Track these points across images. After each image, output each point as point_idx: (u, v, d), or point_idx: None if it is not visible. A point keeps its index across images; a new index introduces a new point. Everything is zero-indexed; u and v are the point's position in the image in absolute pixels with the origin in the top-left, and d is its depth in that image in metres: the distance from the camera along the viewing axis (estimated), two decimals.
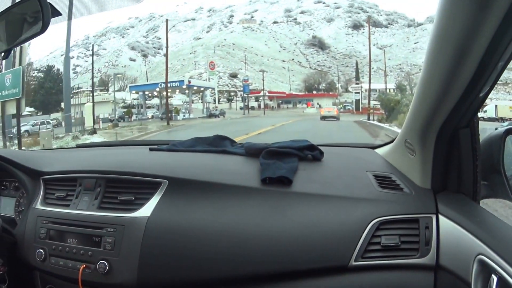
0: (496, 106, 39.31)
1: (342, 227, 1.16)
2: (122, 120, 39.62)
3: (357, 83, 66.78)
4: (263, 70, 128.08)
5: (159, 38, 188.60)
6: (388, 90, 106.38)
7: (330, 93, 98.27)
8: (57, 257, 1.42)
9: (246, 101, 64.78)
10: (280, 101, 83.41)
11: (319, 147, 1.60)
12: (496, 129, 1.28)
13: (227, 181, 1.35)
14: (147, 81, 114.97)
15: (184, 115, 41.91)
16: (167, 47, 41.64)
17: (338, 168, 1.47)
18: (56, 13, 1.08)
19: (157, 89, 47.41)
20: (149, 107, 54.45)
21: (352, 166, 1.49)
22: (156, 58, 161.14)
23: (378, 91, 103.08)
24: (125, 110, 45.98)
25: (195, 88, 48.81)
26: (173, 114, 39.35)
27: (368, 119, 28.61)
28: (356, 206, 1.20)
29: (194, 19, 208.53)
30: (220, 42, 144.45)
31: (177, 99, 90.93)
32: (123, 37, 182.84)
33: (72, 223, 1.44)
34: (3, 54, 1.16)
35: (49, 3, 1.04)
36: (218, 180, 1.36)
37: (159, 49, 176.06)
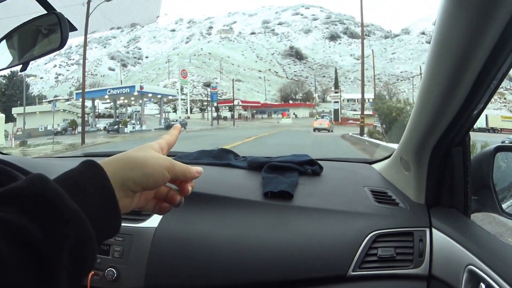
0: (486, 116, 37.55)
1: (340, 239, 1.21)
2: (64, 133, 35.87)
3: (336, 92, 63.54)
4: (239, 80, 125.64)
5: (140, 49, 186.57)
6: (367, 100, 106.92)
7: (307, 103, 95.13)
8: None
9: (215, 111, 61.17)
10: (254, 111, 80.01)
11: (319, 161, 1.66)
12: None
13: (231, 194, 1.41)
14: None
15: (133, 127, 36.92)
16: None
17: (337, 183, 1.52)
18: (73, 28, 1.10)
19: (106, 96, 42.43)
20: (113, 116, 49.61)
21: (350, 181, 1.54)
22: (135, 68, 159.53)
23: (356, 101, 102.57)
24: (69, 121, 40.10)
25: (150, 95, 43.56)
26: (119, 126, 35.07)
27: (362, 133, 23.58)
28: (354, 220, 1.25)
29: (174, 30, 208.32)
30: (197, 51, 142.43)
31: (148, 109, 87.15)
32: (104, 47, 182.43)
33: None
34: (21, 66, 1.17)
35: (67, 18, 1.06)
36: (222, 193, 1.41)
37: (139, 59, 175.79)
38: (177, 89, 79.77)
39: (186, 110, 76.51)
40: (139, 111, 42.28)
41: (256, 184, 1.46)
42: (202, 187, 1.41)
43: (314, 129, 32.89)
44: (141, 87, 40.05)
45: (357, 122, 51.58)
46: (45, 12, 1.08)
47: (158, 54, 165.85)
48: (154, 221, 1.38)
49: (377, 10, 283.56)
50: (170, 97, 50.80)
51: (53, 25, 1.06)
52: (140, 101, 43.93)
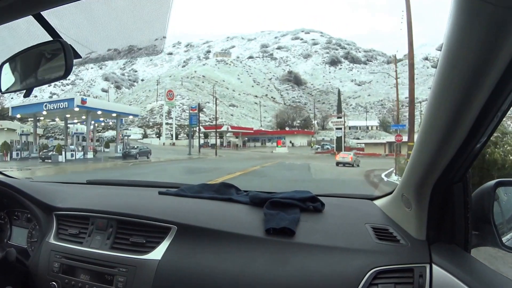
0: None
1: (342, 276, 1.23)
2: None
3: (339, 117, 54.87)
4: (233, 105, 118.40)
5: (136, 71, 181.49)
6: (370, 127, 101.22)
7: (306, 130, 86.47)
8: None
9: (204, 137, 53.00)
10: (246, 139, 71.63)
11: (321, 197, 1.70)
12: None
13: (233, 230, 1.44)
14: None
15: (72, 154, 28.79)
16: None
17: (338, 220, 1.54)
18: (77, 56, 1.11)
19: (44, 112, 33.17)
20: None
21: (352, 218, 1.56)
22: (130, 90, 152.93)
23: (359, 128, 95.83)
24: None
25: (99, 112, 33.98)
26: (52, 153, 27.35)
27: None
28: (355, 257, 1.27)
29: (171, 53, 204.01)
30: (190, 74, 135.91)
31: (133, 133, 79.57)
32: (101, 68, 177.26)
33: (85, 260, 1.56)
34: (24, 92, 1.19)
35: (71, 46, 1.06)
36: (224, 228, 1.45)
37: (134, 81, 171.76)
38: (165, 113, 72.55)
39: (172, 136, 69.05)
40: (82, 133, 33.31)
41: (258, 220, 1.49)
42: (204, 221, 1.49)
43: (337, 163, 28.51)
44: (83, 101, 31.50)
45: (362, 152, 42.76)
46: (50, 38, 1.07)
47: (155, 77, 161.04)
48: (157, 253, 1.44)
49: (377, 36, 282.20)
50: (131, 117, 40.97)
51: (56, 51, 1.07)
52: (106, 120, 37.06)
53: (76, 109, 30.81)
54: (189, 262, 1.37)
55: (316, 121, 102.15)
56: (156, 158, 32.07)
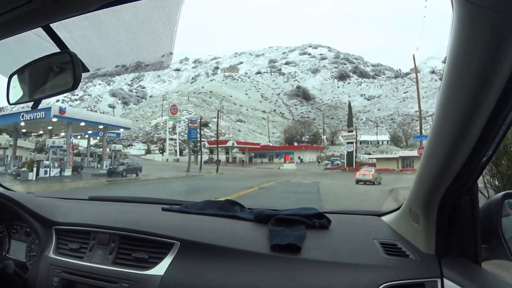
0: None
1: None
2: None
3: (350, 131, 51.99)
4: (240, 120, 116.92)
5: (144, 88, 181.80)
6: (381, 142, 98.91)
7: (315, 145, 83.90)
8: None
9: (209, 153, 50.99)
10: (253, 154, 69.19)
11: (327, 214, 1.68)
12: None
13: (238, 246, 1.43)
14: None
15: (46, 171, 24.99)
16: None
17: (345, 236, 1.53)
18: (85, 69, 1.13)
19: (22, 123, 28.58)
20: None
21: (359, 234, 1.55)
22: (136, 106, 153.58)
23: (369, 143, 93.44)
24: None
25: (82, 124, 29.44)
26: (21, 170, 24.17)
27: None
28: (363, 273, 1.25)
29: (179, 70, 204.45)
30: (197, 89, 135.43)
31: (136, 149, 78.13)
32: (108, 84, 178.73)
33: (86, 275, 1.56)
34: (33, 103, 1.19)
35: (80, 59, 1.07)
36: (228, 245, 1.44)
37: (142, 98, 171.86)
38: (169, 128, 71.04)
39: (176, 152, 67.38)
40: (61, 147, 28.70)
41: (263, 236, 1.49)
42: (208, 237, 1.49)
43: (357, 181, 25.41)
44: (61, 111, 26.63)
45: (374, 168, 40.53)
46: (59, 50, 1.08)
47: (162, 93, 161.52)
48: (160, 269, 1.44)
49: (384, 50, 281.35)
50: (122, 130, 37.26)
51: (65, 64, 1.07)
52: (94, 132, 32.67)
53: (54, 119, 26.31)
54: (192, 278, 1.36)
55: (325, 136, 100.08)
56: (149, 175, 29.61)
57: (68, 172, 26.26)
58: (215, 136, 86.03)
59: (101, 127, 31.69)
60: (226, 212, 1.83)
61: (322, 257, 1.32)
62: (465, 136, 0.92)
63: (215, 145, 67.73)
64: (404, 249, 1.33)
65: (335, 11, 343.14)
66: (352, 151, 46.19)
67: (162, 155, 67.06)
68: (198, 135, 48.69)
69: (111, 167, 29.35)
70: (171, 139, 70.40)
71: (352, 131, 50.40)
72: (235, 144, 66.43)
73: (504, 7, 0.66)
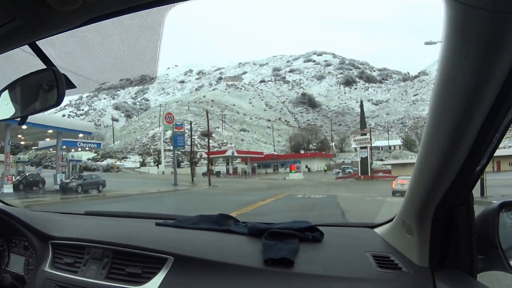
0: None
1: None
2: None
3: (363, 134, 46.22)
4: (244, 129, 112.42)
5: (147, 100, 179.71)
6: (393, 147, 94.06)
7: (323, 152, 78.40)
8: None
9: (201, 163, 46.09)
10: (256, 164, 64.34)
11: (320, 227, 1.69)
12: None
13: (231, 261, 1.43)
14: (113, 140, 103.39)
15: None
16: None
17: (338, 249, 1.54)
18: (71, 85, 1.12)
19: None
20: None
21: (352, 247, 1.55)
22: (136, 118, 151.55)
23: (380, 148, 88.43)
24: None
25: (24, 127, 22.42)
26: None
27: None
28: (355, 286, 1.25)
29: (183, 82, 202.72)
30: (198, 98, 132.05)
31: (131, 161, 73.78)
32: (113, 98, 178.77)
33: None
34: (19, 119, 1.21)
35: (64, 75, 1.07)
36: (222, 260, 1.44)
37: (146, 110, 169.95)
38: (166, 138, 66.49)
39: (173, 164, 62.72)
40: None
41: (257, 250, 1.48)
42: (202, 252, 1.50)
43: (394, 193, 20.06)
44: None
45: (388, 176, 35.41)
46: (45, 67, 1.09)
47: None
48: (153, 284, 1.45)
49: (389, 55, 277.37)
50: (81, 135, 31.27)
51: (49, 81, 1.08)
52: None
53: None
54: None
55: (333, 143, 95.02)
56: (119, 191, 24.96)
57: (8, 188, 21.19)
58: (218, 146, 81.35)
59: (50, 131, 25.98)
60: (220, 226, 1.82)
61: (315, 271, 1.32)
62: (459, 145, 0.91)
63: (214, 156, 63.25)
64: (397, 262, 1.31)
65: (339, 19, 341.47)
66: (366, 157, 40.91)
67: (158, 167, 63.18)
68: (188, 142, 42.77)
69: (63, 182, 24.28)
70: (168, 150, 66.00)
71: (365, 134, 44.76)
72: (235, 154, 61.64)
73: (498, 6, 0.64)
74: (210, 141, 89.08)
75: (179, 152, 62.70)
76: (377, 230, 1.71)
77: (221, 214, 1.97)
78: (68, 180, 24.79)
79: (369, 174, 39.46)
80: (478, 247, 1.15)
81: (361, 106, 60.73)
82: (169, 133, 61.14)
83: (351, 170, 49.39)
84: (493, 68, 0.73)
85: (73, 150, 37.30)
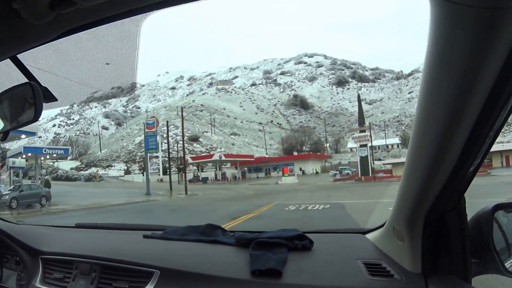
0: None
1: None
2: None
3: (362, 131, 41.68)
4: (235, 133, 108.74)
5: (139, 108, 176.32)
6: (391, 146, 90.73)
7: (318, 153, 74.00)
8: None
9: (190, 170, 42.25)
10: (246, 169, 59.77)
11: (310, 234, 1.67)
12: None
13: (218, 273, 1.42)
14: (100, 148, 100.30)
15: None
16: None
17: (328, 257, 1.51)
18: (52, 98, 1.11)
19: None
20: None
21: (342, 255, 1.53)
22: (124, 125, 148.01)
23: (378, 148, 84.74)
24: None
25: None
26: None
27: None
28: None
29: (174, 88, 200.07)
30: (187, 103, 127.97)
31: (116, 169, 69.66)
32: (104, 106, 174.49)
33: None
34: (1, 135, 1.21)
35: (45, 88, 1.07)
36: (208, 272, 1.43)
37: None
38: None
39: (159, 171, 59.67)
40: None
41: (244, 261, 1.46)
42: (188, 264, 1.50)
43: None
44: None
45: (390, 176, 31.48)
46: (27, 80, 1.08)
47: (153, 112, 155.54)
48: None
49: (382, 55, 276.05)
50: (23, 136, 27.51)
51: (28, 95, 1.06)
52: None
53: None
54: None
55: (328, 144, 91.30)
56: (80, 202, 21.59)
57: None
58: (206, 151, 77.21)
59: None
60: (208, 237, 1.81)
61: (304, 281, 1.30)
62: (449, 147, 0.87)
63: (199, 160, 59.02)
64: (388, 269, 1.29)
65: (329, 20, 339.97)
66: (367, 156, 36.98)
67: (143, 175, 59.06)
68: (157, 145, 38.08)
69: None
70: (155, 157, 61.95)
71: (364, 131, 40.60)
72: (223, 158, 57.14)
73: (486, 3, 0.62)
74: (198, 145, 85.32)
75: (166, 158, 58.75)
76: (369, 236, 1.66)
77: (209, 224, 1.93)
78: (4, 192, 20.73)
79: (371, 174, 35.55)
80: (472, 250, 1.12)
81: (359, 99, 56.68)
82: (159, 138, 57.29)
83: (349, 171, 45.54)
84: (484, 65, 0.70)
85: (42, 158, 35.03)
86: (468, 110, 0.78)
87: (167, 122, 48.29)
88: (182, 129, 38.28)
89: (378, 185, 26.91)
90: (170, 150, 65.67)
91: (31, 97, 1.03)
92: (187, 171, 56.03)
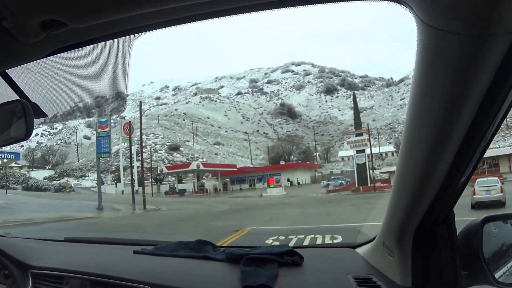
0: None
1: None
2: None
3: (358, 134, 36.91)
4: (218, 143, 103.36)
5: (123, 117, 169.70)
6: (385, 154, 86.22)
7: (308, 162, 68.75)
8: None
9: (177, 181, 36.61)
10: (228, 179, 54.24)
11: (300, 249, 1.67)
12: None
13: None
14: (78, 158, 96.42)
15: None
16: None
17: (318, 273, 1.52)
18: (42, 114, 1.11)
19: None
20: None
21: (333, 270, 1.54)
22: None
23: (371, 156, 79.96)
24: None
25: None
26: None
27: None
28: None
29: (159, 98, 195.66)
30: (169, 112, 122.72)
31: (90, 179, 63.72)
32: (88, 116, 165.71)
33: None
34: None
35: (35, 104, 1.07)
36: None
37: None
38: (123, 152, 57.07)
39: (133, 181, 52.68)
40: None
41: (235, 277, 1.46)
42: (178, 281, 1.50)
43: (475, 205, 13.67)
44: None
45: (389, 185, 25.95)
46: (17, 97, 1.08)
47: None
48: None
49: (371, 63, 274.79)
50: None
51: (18, 113, 1.06)
52: None
53: None
54: None
55: (317, 153, 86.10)
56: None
57: None
58: (187, 161, 71.11)
59: None
60: (198, 253, 1.81)
61: None
62: (439, 158, 0.86)
63: (173, 170, 53.06)
64: (379, 283, 1.29)
65: (316, 29, 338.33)
66: (365, 163, 31.78)
67: (116, 186, 54.03)
68: (109, 149, 32.23)
69: None
70: (132, 166, 55.88)
71: (361, 134, 35.53)
72: (201, 167, 51.50)
73: (471, 30, 0.62)
74: (178, 155, 79.23)
75: (143, 169, 53.01)
76: (359, 250, 1.65)
77: (200, 240, 1.92)
78: None
79: (370, 184, 30.14)
80: (462, 263, 1.12)
81: (354, 99, 51.63)
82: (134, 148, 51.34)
83: (343, 181, 40.20)
84: (468, 92, 0.71)
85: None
86: (457, 127, 0.77)
87: (125, 119, 42.52)
88: (140, 128, 32.23)
89: (382, 197, 21.85)
90: (148, 160, 59.63)
91: (22, 114, 1.03)
92: (164, 183, 49.79)
